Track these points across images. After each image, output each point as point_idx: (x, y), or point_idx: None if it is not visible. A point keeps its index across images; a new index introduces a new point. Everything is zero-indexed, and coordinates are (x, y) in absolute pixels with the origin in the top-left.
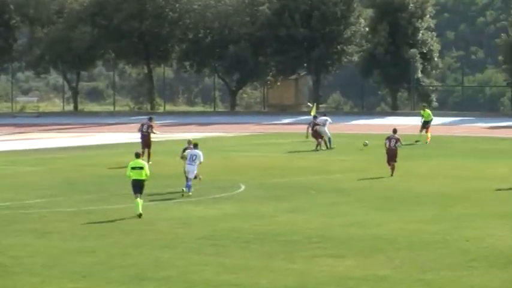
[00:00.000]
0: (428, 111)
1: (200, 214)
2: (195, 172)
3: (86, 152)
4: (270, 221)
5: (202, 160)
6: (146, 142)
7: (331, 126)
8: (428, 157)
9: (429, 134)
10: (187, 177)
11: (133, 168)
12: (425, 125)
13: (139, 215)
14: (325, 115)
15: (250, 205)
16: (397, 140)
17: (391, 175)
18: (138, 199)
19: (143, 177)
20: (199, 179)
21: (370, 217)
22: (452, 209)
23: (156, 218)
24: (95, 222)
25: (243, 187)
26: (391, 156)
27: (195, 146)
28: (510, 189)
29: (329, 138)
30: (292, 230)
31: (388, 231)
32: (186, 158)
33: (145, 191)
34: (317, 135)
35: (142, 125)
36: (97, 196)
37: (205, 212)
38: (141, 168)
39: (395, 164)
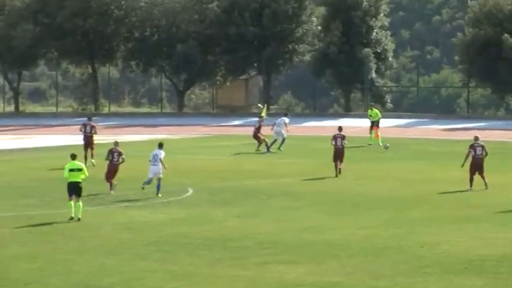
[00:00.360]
0: (376, 110)
1: (146, 219)
2: (161, 171)
3: (27, 154)
4: (219, 226)
5: (162, 157)
6: (89, 143)
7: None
8: (381, 160)
9: (379, 134)
10: (150, 178)
11: (71, 170)
12: (374, 125)
13: (78, 219)
14: (285, 115)
15: (198, 210)
16: (343, 138)
17: (336, 175)
18: (73, 202)
19: (80, 180)
20: (114, 185)
21: (322, 222)
22: (407, 214)
23: (100, 223)
24: (36, 227)
25: (191, 191)
26: (339, 156)
27: (160, 146)
28: (460, 191)
29: (283, 140)
30: (242, 236)
31: (341, 237)
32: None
33: (90, 194)
34: (257, 136)
35: (85, 126)
36: (38, 200)
37: (151, 216)
38: (80, 170)
39: (343, 164)
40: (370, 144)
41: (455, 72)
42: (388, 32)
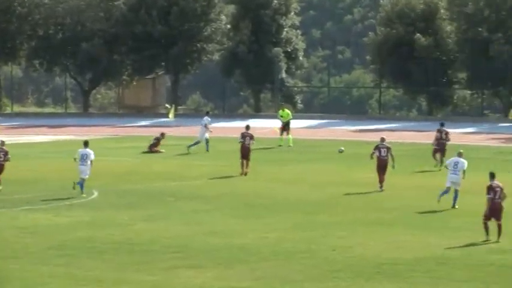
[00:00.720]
0: (287, 110)
1: (50, 222)
2: (88, 172)
3: None
4: (126, 230)
5: (93, 158)
6: None
7: (189, 130)
8: (292, 162)
9: (290, 136)
10: (82, 178)
11: None
12: (285, 126)
13: None
14: (207, 113)
15: (104, 213)
16: (251, 137)
17: (244, 174)
18: None
19: None
20: None
21: (232, 225)
22: (318, 217)
23: (2, 226)
24: None
25: (96, 193)
26: (245, 155)
27: (86, 144)
28: (372, 193)
29: (206, 140)
30: (150, 239)
31: (251, 240)
32: (78, 159)
33: None
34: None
35: None
36: None
37: (55, 220)
38: None
39: (249, 162)
40: (280, 146)
41: (367, 72)
42: (298, 31)
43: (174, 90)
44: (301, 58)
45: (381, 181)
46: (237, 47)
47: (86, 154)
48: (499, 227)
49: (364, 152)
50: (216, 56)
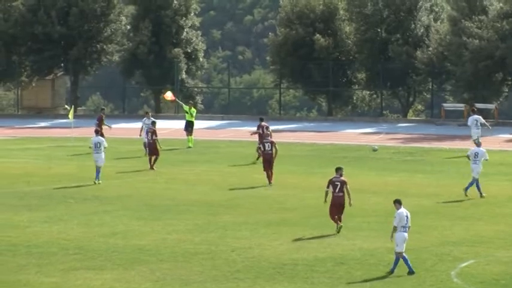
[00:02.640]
0: (194, 109)
1: None
2: (103, 159)
3: None
4: (24, 232)
5: (106, 145)
6: None
7: (89, 130)
8: (193, 163)
9: (192, 137)
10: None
11: None
12: (190, 126)
13: None
14: (146, 113)
15: (2, 215)
16: (153, 133)
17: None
18: None
19: None
20: None
21: (131, 227)
22: (218, 218)
23: None
24: None
25: None
26: (151, 151)
27: (97, 132)
28: (267, 193)
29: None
30: (48, 241)
31: (151, 242)
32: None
33: None
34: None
35: None
36: None
37: None
38: None
39: (154, 158)
40: (189, 147)
41: (267, 73)
42: (199, 31)
43: (73, 91)
44: (201, 59)
45: (270, 175)
46: (137, 48)
47: (99, 142)
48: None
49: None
50: (116, 57)
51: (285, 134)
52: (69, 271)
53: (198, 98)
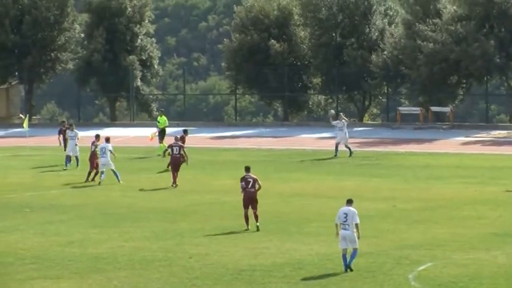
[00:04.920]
0: (164, 117)
1: None
2: (111, 162)
3: None
4: None
5: (111, 149)
6: None
7: (45, 139)
8: (149, 170)
9: (163, 144)
10: (103, 171)
11: None
12: (163, 133)
13: None
14: (71, 124)
15: None
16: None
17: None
18: None
19: None
20: None
21: (88, 235)
22: (175, 225)
23: None
24: None
25: None
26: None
27: (107, 140)
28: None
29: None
30: (4, 251)
31: (107, 250)
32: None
33: None
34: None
35: None
36: None
37: None
38: None
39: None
40: (159, 155)
41: (223, 79)
42: (153, 39)
43: (28, 100)
44: (156, 66)
45: (174, 178)
46: (91, 56)
47: (105, 147)
48: (255, 215)
49: (222, 159)
50: (71, 65)
51: (241, 140)
52: (26, 281)
53: (154, 105)
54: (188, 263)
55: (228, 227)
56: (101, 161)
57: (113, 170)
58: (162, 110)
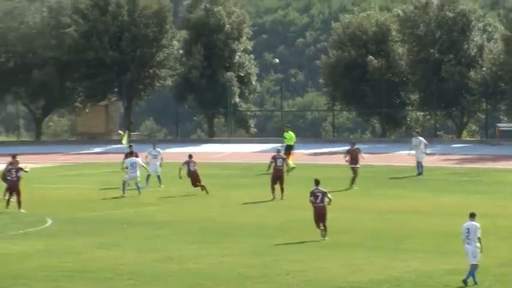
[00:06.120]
0: (291, 133)
1: (3, 251)
2: (138, 175)
3: None
4: (79, 257)
5: (141, 164)
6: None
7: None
8: (248, 186)
9: (291, 161)
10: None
11: None
12: (289, 149)
13: None
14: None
15: (57, 240)
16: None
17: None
18: None
19: None
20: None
21: (186, 251)
22: (273, 241)
23: None
24: None
25: (50, 221)
26: (194, 177)
27: (132, 154)
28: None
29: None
30: (103, 267)
31: (207, 266)
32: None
33: None
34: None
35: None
36: None
37: (8, 248)
38: None
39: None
40: (293, 168)
41: (320, 95)
42: (251, 55)
43: (127, 117)
44: (254, 82)
45: (282, 190)
46: (189, 72)
47: (135, 162)
48: (325, 227)
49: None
50: (169, 82)
51: (339, 156)
52: None
53: (251, 122)
54: (285, 279)
55: (326, 243)
56: (130, 176)
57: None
58: (288, 125)
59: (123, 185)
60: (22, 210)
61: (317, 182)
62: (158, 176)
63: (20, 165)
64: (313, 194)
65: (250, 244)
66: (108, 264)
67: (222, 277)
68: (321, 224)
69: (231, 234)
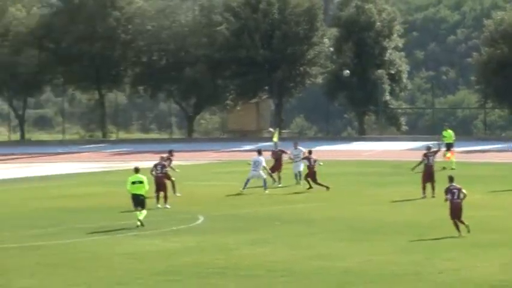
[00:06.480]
0: (450, 131)
1: (156, 248)
2: (262, 174)
3: (33, 183)
4: (231, 254)
5: (264, 165)
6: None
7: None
8: (398, 184)
9: (453, 159)
10: (249, 180)
11: (133, 182)
12: (449, 147)
13: (140, 223)
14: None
15: (209, 237)
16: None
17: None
18: (139, 212)
19: (143, 192)
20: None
21: (337, 249)
22: (424, 239)
23: (110, 252)
24: (42, 259)
25: (201, 218)
26: (311, 175)
27: (259, 153)
28: (473, 213)
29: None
30: (255, 264)
31: (356, 264)
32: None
33: (98, 223)
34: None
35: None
36: (45, 231)
37: (161, 245)
38: (141, 182)
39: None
40: (452, 169)
41: (472, 93)
42: (402, 52)
43: (277, 114)
44: (404, 80)
45: (433, 188)
46: (340, 70)
47: (259, 161)
48: (461, 222)
49: (472, 173)
50: (320, 79)
51: (490, 154)
52: None
53: (402, 119)
54: (438, 278)
55: (479, 242)
56: (251, 173)
57: (264, 179)
58: (447, 124)
59: (246, 182)
60: (167, 206)
61: (451, 179)
62: (299, 172)
63: (172, 165)
64: (449, 191)
65: (399, 242)
66: (260, 261)
67: (372, 275)
68: (457, 221)
69: (380, 232)
